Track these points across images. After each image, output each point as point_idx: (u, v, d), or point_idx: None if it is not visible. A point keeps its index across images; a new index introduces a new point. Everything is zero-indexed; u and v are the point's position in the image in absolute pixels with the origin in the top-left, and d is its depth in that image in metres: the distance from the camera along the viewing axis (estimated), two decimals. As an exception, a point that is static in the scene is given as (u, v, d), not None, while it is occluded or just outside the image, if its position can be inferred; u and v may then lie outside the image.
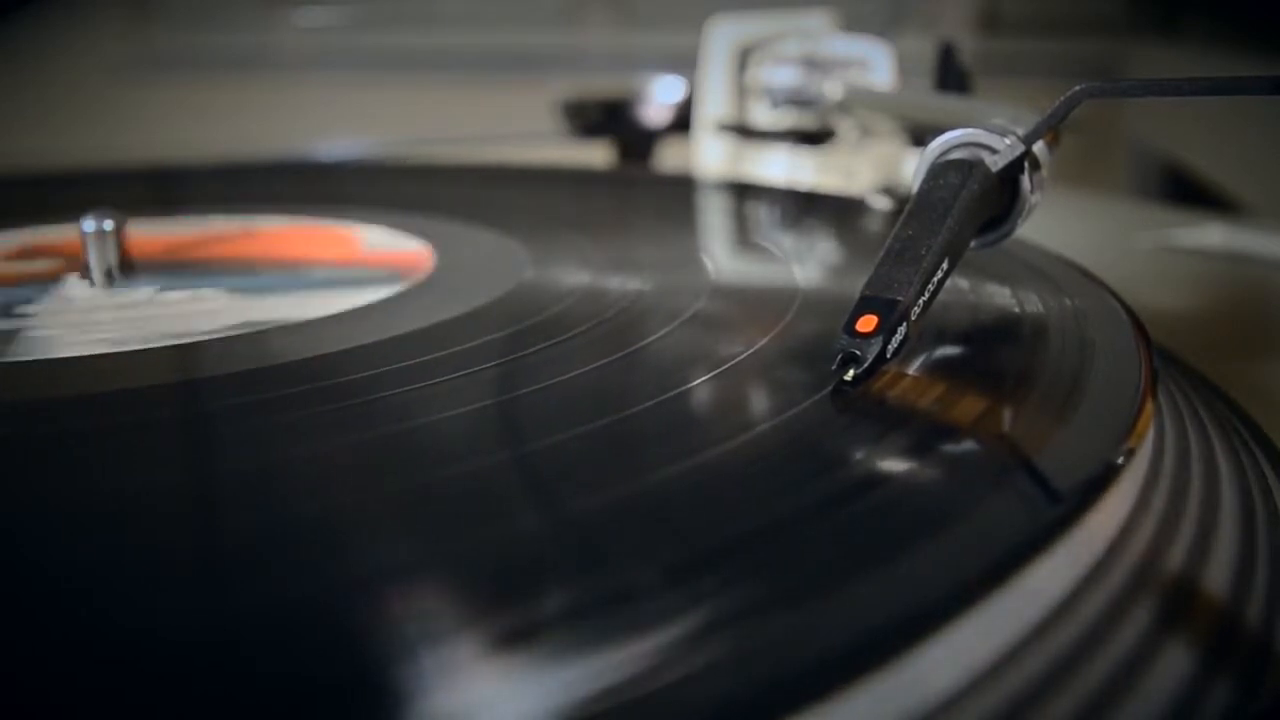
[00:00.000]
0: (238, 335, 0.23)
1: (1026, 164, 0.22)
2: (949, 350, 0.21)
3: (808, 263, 0.30)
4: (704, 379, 0.20)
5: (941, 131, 0.22)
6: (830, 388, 0.18)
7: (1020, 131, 0.22)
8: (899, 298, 0.19)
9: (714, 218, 0.38)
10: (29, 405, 0.20)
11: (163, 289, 0.27)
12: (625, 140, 0.57)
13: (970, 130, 0.22)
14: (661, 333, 0.22)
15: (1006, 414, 0.18)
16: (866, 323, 0.19)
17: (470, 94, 0.87)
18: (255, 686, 0.11)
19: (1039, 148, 0.22)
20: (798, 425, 0.17)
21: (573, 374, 0.20)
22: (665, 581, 0.13)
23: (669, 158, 0.56)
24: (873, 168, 0.47)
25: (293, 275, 0.28)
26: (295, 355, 0.22)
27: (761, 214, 0.38)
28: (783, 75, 0.46)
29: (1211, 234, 0.42)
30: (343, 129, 0.73)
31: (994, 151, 0.21)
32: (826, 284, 0.28)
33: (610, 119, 0.57)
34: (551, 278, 0.27)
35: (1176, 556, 0.16)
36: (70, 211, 0.29)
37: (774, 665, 0.11)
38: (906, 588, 0.13)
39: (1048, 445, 0.17)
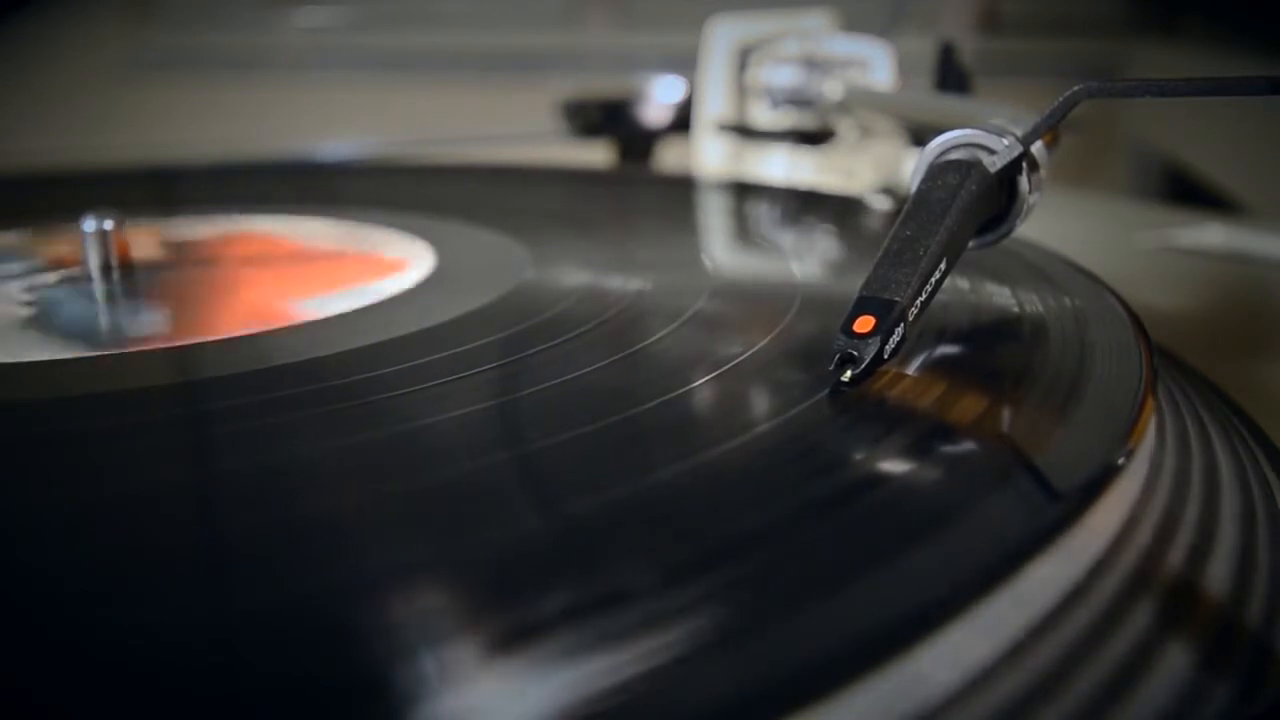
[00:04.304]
0: (238, 336, 0.23)
1: (1025, 164, 0.22)
2: (949, 350, 0.21)
3: (807, 262, 0.30)
4: (704, 380, 0.20)
5: (940, 132, 0.22)
6: (829, 388, 0.18)
7: (1018, 132, 0.22)
8: (896, 298, 0.19)
9: (714, 217, 0.38)
10: (29, 405, 0.20)
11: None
12: (625, 140, 0.57)
13: (968, 131, 0.22)
14: (662, 333, 0.22)
15: (1006, 414, 0.18)
16: (864, 323, 0.19)
17: (470, 94, 0.87)
18: (255, 687, 0.11)
19: (1037, 148, 0.22)
20: (797, 425, 0.17)
21: (573, 374, 0.20)
22: (665, 581, 0.13)
23: (669, 158, 0.56)
24: (873, 168, 0.47)
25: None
26: (296, 356, 0.22)
27: (761, 214, 0.38)
28: (783, 75, 0.46)
29: (1211, 234, 0.42)
30: (343, 129, 0.73)
31: (992, 152, 0.21)
32: (826, 284, 0.28)
33: (610, 119, 0.57)
34: (551, 278, 0.27)
35: (1176, 556, 0.16)
36: (70, 211, 0.29)
37: (774, 665, 0.11)
38: (906, 588, 0.13)
39: (1048, 445, 0.17)
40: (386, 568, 0.13)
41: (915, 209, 0.21)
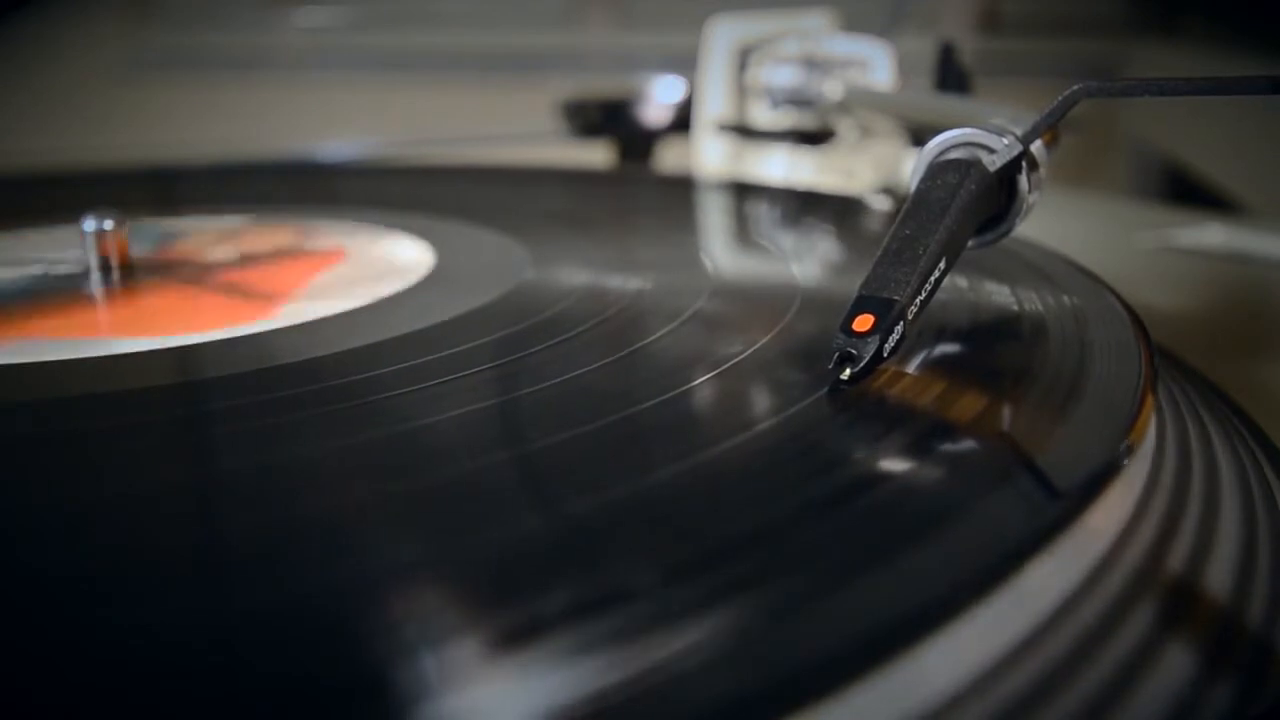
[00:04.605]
0: (238, 336, 0.23)
1: (1024, 163, 0.22)
2: (949, 349, 0.21)
3: (807, 262, 0.30)
4: (704, 379, 0.20)
5: (940, 131, 0.22)
6: (828, 387, 0.18)
7: (1018, 131, 0.22)
8: (896, 297, 0.19)
9: (714, 218, 0.38)
10: (31, 405, 0.20)
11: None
12: (625, 140, 0.57)
13: (968, 130, 0.22)
14: (661, 332, 0.22)
15: (1006, 413, 0.18)
16: (863, 322, 0.19)
17: (470, 94, 0.87)
18: (255, 687, 0.11)
19: (1037, 147, 0.22)
20: (797, 424, 0.17)
21: (572, 374, 0.20)
22: (665, 581, 0.13)
23: (669, 158, 0.56)
24: (873, 168, 0.47)
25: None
26: (296, 356, 0.22)
27: (761, 214, 0.38)
28: (783, 75, 0.46)
29: (1211, 234, 0.42)
30: (343, 129, 0.73)
31: (992, 151, 0.21)
32: (826, 283, 0.28)
33: (610, 119, 0.57)
34: (551, 278, 0.27)
35: (1177, 556, 0.16)
36: (70, 211, 0.29)
37: (774, 665, 0.11)
38: (906, 588, 0.13)
39: (1048, 444, 0.17)
40: (387, 567, 0.13)
41: (915, 208, 0.21)
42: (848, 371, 0.18)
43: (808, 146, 0.47)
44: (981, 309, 0.23)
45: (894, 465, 0.16)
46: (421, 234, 0.32)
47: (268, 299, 0.26)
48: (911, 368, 0.20)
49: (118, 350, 0.23)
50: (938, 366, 0.20)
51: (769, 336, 0.22)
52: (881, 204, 0.37)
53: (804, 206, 0.38)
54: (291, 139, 0.68)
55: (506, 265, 0.28)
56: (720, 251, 0.32)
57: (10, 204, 0.40)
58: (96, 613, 0.13)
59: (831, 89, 0.45)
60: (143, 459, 0.17)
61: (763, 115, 0.47)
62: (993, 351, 0.22)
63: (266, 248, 0.31)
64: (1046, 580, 0.14)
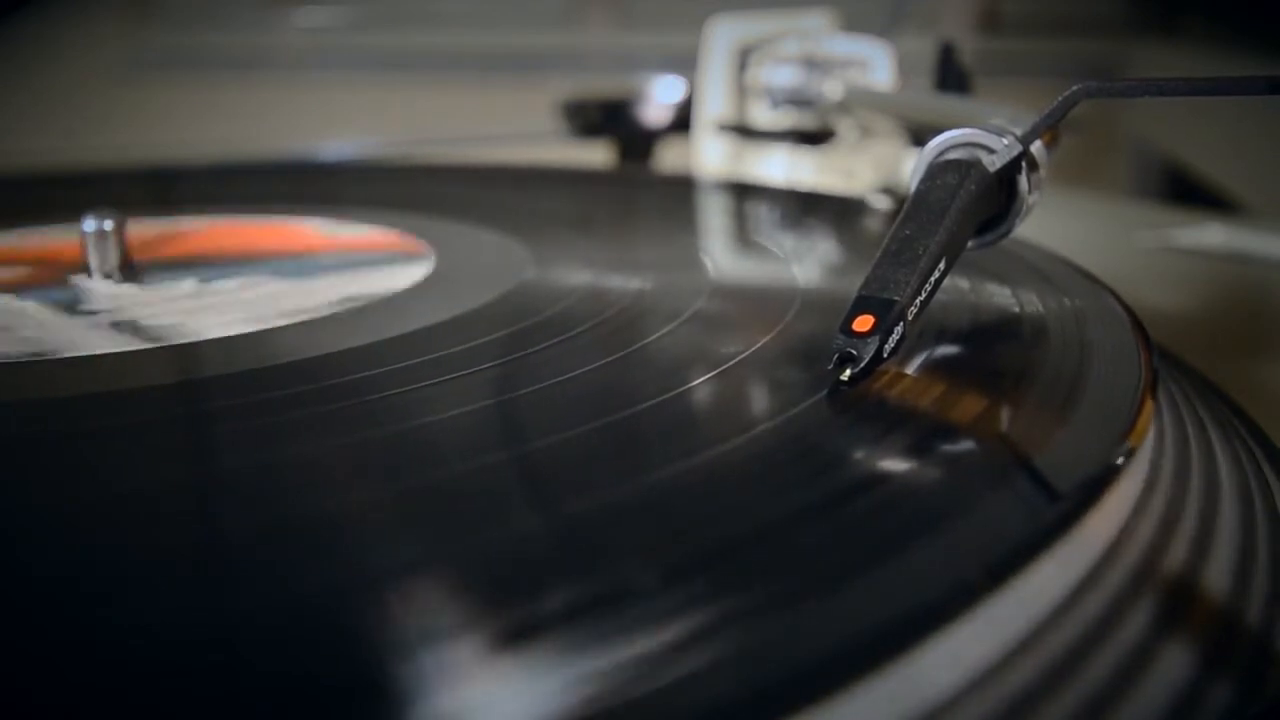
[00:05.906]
0: (238, 335, 0.23)
1: (1024, 164, 0.22)
2: (949, 350, 0.21)
3: (807, 262, 0.30)
4: (704, 379, 0.20)
5: (940, 132, 0.22)
6: (828, 388, 0.18)
7: (1018, 132, 0.22)
8: (895, 298, 0.19)
9: (714, 218, 0.38)
10: (30, 405, 0.20)
11: (203, 280, 0.28)
12: (625, 140, 0.57)
13: (968, 130, 0.22)
14: (662, 332, 0.22)
15: (1006, 414, 0.18)
16: (863, 322, 0.19)
17: (470, 94, 0.87)
18: (255, 687, 0.11)
19: (1037, 148, 0.22)
20: (797, 425, 0.17)
21: (573, 374, 0.20)
22: (664, 581, 0.13)
23: (669, 158, 0.56)
24: (873, 168, 0.47)
25: (303, 260, 0.29)
26: (296, 355, 0.22)
27: (761, 214, 0.38)
28: (783, 75, 0.46)
29: (1211, 234, 0.42)
30: (343, 129, 0.73)
31: (991, 151, 0.21)
32: (826, 284, 0.28)
33: (610, 119, 0.57)
34: (551, 278, 0.27)
35: (1176, 556, 0.16)
36: (70, 211, 0.29)
37: (774, 665, 0.11)
38: (906, 588, 0.13)
39: (1048, 445, 0.17)
40: (387, 567, 0.13)
41: (914, 209, 0.21)
42: (848, 372, 0.18)
43: (808, 146, 0.47)
44: (982, 310, 0.23)
45: (894, 466, 0.16)
46: (421, 234, 0.32)
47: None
48: (911, 369, 0.20)
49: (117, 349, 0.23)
50: (938, 368, 0.20)
51: (769, 337, 0.22)
52: (882, 204, 0.37)
53: (804, 207, 0.38)
54: (291, 139, 0.68)
55: (506, 265, 0.28)
56: (720, 252, 0.32)
57: (10, 204, 0.40)
58: (96, 613, 0.13)
59: (831, 89, 0.45)
60: (142, 459, 0.17)
61: (763, 115, 0.47)
62: (993, 353, 0.22)
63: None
64: (1046, 581, 0.14)
